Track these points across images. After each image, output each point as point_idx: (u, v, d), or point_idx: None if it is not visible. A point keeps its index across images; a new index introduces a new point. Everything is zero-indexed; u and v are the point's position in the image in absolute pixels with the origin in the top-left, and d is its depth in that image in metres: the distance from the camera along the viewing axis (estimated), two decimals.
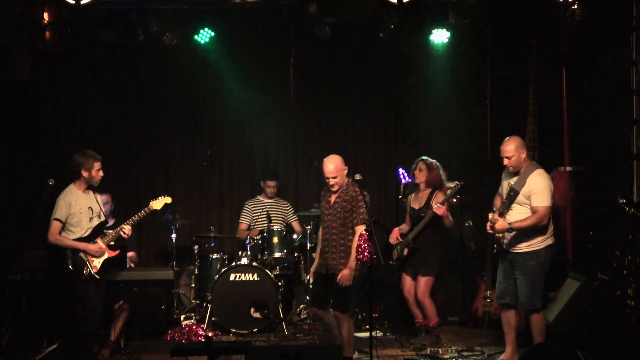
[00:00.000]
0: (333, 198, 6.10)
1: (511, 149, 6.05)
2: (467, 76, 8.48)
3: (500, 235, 6.10)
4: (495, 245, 6.26)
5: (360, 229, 5.88)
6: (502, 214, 6.03)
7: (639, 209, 5.86)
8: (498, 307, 6.48)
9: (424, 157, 7.04)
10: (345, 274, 5.90)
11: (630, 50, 6.49)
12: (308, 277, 6.36)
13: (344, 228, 6.02)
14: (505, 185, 6.17)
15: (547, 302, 6.49)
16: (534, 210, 5.93)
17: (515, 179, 6.08)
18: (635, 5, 6.49)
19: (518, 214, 5.98)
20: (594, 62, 7.19)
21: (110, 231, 6.27)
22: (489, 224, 6.08)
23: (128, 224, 6.26)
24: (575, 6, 6.64)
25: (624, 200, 5.94)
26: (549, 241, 6.04)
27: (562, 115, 7.67)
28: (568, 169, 7.51)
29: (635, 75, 6.49)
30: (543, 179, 6.02)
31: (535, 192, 5.94)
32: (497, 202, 6.27)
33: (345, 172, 6.11)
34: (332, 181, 6.05)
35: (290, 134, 8.53)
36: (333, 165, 6.04)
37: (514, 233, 5.99)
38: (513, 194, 6.00)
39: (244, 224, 8.06)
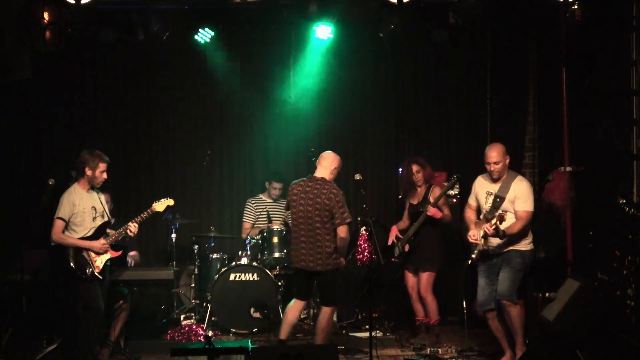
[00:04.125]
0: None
1: (498, 154, 6.11)
2: (467, 76, 8.49)
3: (481, 241, 6.13)
4: (473, 253, 6.24)
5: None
6: (488, 220, 6.08)
7: (639, 209, 5.86)
8: None
9: (412, 159, 7.08)
10: None
11: (630, 50, 6.50)
12: None
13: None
14: (483, 194, 6.22)
15: (547, 302, 6.49)
16: (518, 216, 6.03)
17: (496, 187, 6.15)
18: (635, 5, 6.49)
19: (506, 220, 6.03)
20: (594, 62, 7.18)
21: (113, 231, 6.27)
22: (474, 232, 6.12)
23: (134, 223, 6.26)
24: (575, 6, 6.64)
25: (624, 200, 5.96)
26: (532, 245, 6.16)
27: (562, 115, 7.67)
28: (568, 169, 7.51)
29: (635, 75, 6.49)
30: (527, 185, 6.17)
31: (520, 197, 6.05)
32: (472, 216, 6.33)
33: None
34: None
35: (290, 134, 8.51)
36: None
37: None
38: (499, 200, 6.09)
39: (248, 223, 8.03)
